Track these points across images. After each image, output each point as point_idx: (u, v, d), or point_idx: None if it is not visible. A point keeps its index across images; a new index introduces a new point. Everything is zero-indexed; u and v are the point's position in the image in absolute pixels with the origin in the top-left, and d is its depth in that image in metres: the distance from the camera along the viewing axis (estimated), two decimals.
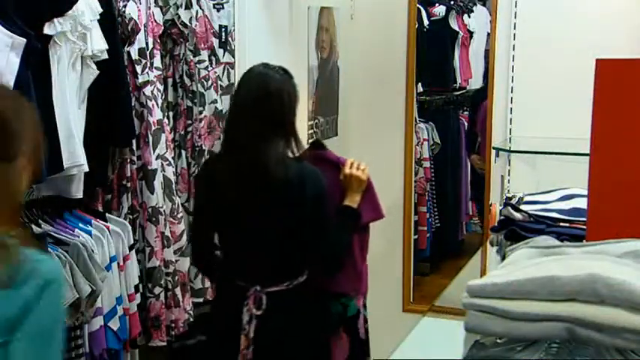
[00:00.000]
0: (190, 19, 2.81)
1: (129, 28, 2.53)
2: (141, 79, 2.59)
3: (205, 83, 2.87)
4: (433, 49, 4.76)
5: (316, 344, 2.40)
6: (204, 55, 2.88)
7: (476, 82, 5.24)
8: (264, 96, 2.24)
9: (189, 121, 2.87)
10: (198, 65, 2.85)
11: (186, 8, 2.80)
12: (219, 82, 2.97)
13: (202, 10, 2.87)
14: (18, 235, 1.38)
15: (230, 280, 2.32)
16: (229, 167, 2.29)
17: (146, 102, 2.59)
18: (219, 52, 2.96)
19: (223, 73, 3.00)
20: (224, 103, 2.98)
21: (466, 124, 5.07)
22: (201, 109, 2.87)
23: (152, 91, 2.62)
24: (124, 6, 2.53)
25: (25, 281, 1.34)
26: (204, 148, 2.88)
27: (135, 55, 2.57)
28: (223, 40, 2.96)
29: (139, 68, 2.58)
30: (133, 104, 2.59)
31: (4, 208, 1.39)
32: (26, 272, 1.35)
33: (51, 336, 1.38)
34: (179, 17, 2.80)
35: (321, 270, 2.38)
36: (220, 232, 2.39)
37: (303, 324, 2.32)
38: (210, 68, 2.91)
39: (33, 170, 1.46)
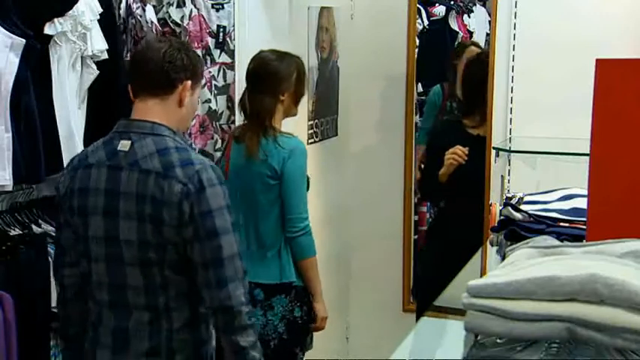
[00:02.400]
0: (182, 18, 2.82)
1: (144, 30, 2.57)
2: None
3: None
4: (433, 49, 4.75)
5: None
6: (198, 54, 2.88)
7: None
8: None
9: None
10: None
11: (177, 7, 2.81)
12: (213, 82, 2.97)
13: (197, 10, 2.87)
14: (278, 126, 2.73)
15: None
16: None
17: None
18: (215, 52, 2.96)
19: (219, 73, 3.00)
20: (219, 104, 2.98)
21: None
22: None
23: None
24: (143, 10, 2.56)
25: (282, 148, 2.67)
26: (194, 147, 2.84)
27: None
28: (220, 40, 2.96)
29: None
30: None
31: (275, 116, 2.71)
32: (283, 144, 2.68)
33: (299, 179, 2.69)
34: (169, 16, 2.80)
35: None
36: None
37: None
38: (204, 68, 2.90)
39: (293, 106, 2.80)
